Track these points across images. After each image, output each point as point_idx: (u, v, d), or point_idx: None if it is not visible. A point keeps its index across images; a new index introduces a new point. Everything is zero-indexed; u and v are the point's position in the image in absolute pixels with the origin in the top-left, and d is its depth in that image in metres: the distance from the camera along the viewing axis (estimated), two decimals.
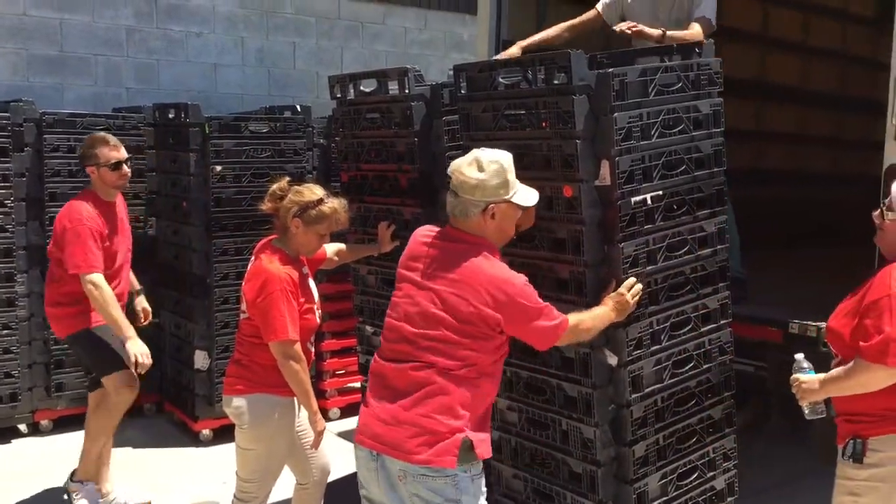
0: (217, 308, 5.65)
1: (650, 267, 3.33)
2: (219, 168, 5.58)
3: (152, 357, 6.21)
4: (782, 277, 5.64)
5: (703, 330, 3.58)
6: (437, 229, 3.03)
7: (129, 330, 4.36)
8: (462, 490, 2.78)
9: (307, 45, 9.27)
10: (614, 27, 4.42)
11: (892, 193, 2.96)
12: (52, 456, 5.58)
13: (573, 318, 2.99)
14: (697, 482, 3.62)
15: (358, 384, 5.85)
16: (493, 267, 2.86)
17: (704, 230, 3.53)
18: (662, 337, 3.43)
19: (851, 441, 2.92)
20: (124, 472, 5.14)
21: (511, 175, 2.92)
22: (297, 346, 3.47)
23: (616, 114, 3.17)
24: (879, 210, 3.00)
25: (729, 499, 3.79)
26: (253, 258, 3.61)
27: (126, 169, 4.57)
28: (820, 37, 8.43)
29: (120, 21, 8.07)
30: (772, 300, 4.44)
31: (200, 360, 5.71)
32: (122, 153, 4.54)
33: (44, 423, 6.01)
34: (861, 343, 2.80)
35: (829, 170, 8.71)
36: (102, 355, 4.52)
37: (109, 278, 4.45)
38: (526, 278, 2.93)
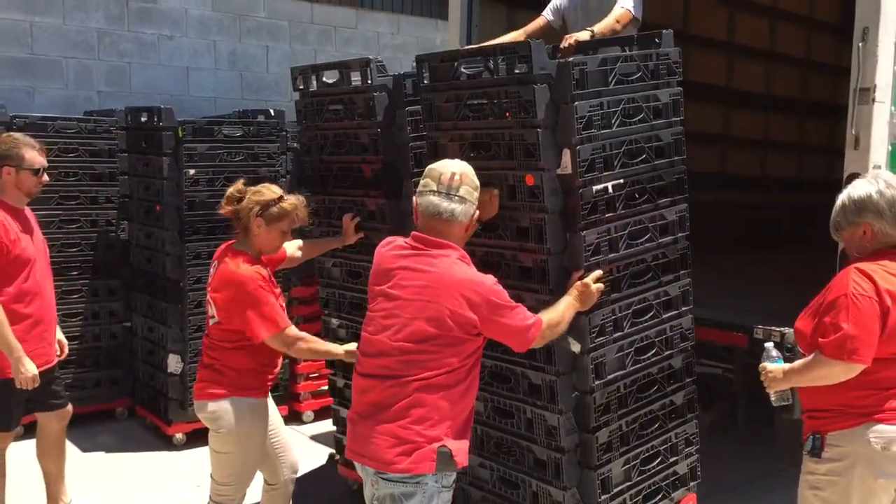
0: (190, 312, 5.65)
1: (612, 255, 3.38)
2: (192, 172, 5.57)
3: (125, 360, 6.26)
4: (748, 282, 5.76)
5: (664, 317, 3.64)
6: (400, 240, 3.06)
7: (17, 350, 3.99)
8: (427, 498, 2.84)
9: (280, 49, 9.28)
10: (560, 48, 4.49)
11: (832, 219, 3.08)
12: (23, 461, 5.54)
13: (545, 318, 3.03)
14: (660, 467, 3.69)
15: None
16: (463, 270, 2.90)
17: (665, 218, 3.59)
18: (625, 324, 3.48)
19: (811, 437, 3.03)
20: (96, 477, 5.13)
21: None
22: (292, 328, 3.52)
23: (577, 103, 3.21)
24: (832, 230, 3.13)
25: (691, 483, 3.87)
26: (215, 263, 3.61)
27: (45, 177, 4.27)
28: (785, 43, 8.59)
29: (91, 24, 8.04)
30: (738, 305, 4.54)
31: (174, 363, 5.71)
32: (45, 159, 4.25)
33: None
34: (820, 339, 2.91)
35: (794, 175, 8.87)
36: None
37: (28, 297, 4.10)
38: (495, 279, 2.97)
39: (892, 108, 4.13)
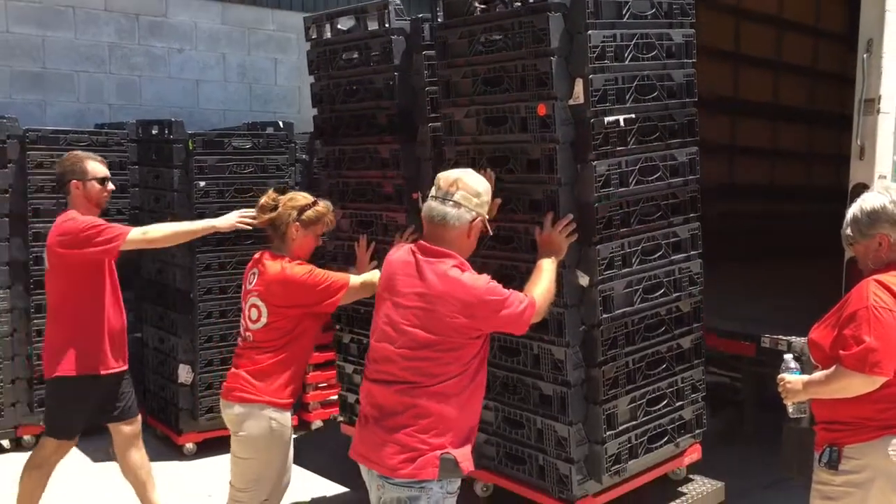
0: (200, 322, 5.68)
1: (622, 189, 3.40)
2: (202, 184, 5.62)
3: (135, 371, 6.29)
4: (756, 291, 5.77)
5: (673, 258, 3.66)
6: (407, 247, 3.08)
7: (203, 223, 4.31)
8: (432, 503, 2.86)
9: (289, 62, 9.36)
10: None
11: (844, 233, 3.09)
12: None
13: (535, 294, 3.06)
14: (666, 410, 3.70)
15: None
16: (458, 276, 2.90)
17: (676, 159, 3.62)
18: (633, 260, 3.51)
19: (828, 448, 3.02)
20: (107, 487, 5.16)
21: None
22: (353, 279, 3.59)
23: (590, 31, 3.25)
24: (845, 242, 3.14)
25: (696, 431, 3.88)
26: (255, 270, 3.65)
27: (111, 186, 4.43)
28: (792, 53, 8.61)
29: (102, 38, 8.12)
30: (745, 314, 4.56)
31: (184, 374, 5.74)
32: (107, 170, 4.41)
33: (26, 438, 6.00)
34: (841, 352, 2.90)
35: (802, 183, 8.87)
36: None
37: (114, 305, 4.25)
38: (489, 277, 2.98)
39: None
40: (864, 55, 4.05)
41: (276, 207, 3.62)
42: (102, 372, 4.21)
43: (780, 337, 4.14)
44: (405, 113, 4.08)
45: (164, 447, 6.01)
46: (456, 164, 3.73)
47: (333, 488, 5.16)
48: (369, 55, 4.14)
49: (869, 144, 4.07)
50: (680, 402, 3.76)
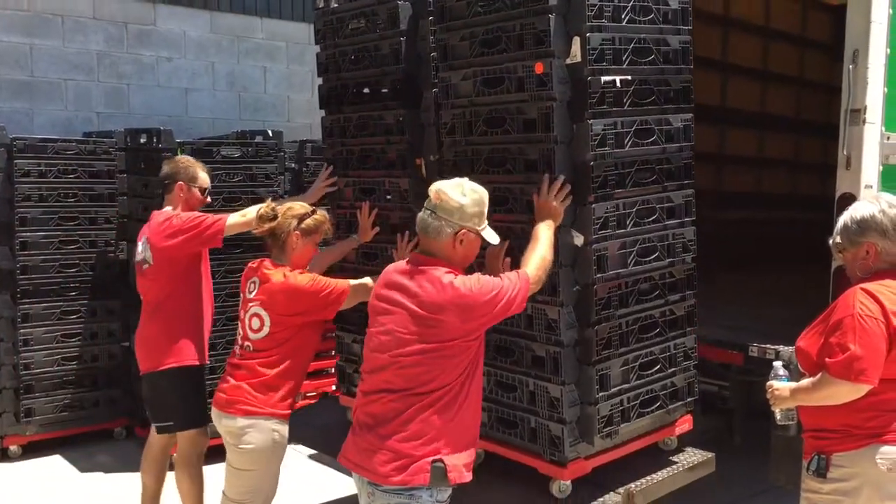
0: None
1: (617, 150, 3.44)
2: None
3: (123, 380, 6.27)
4: (743, 299, 5.80)
5: (667, 223, 3.70)
6: (406, 261, 3.09)
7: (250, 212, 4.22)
8: None
9: (278, 70, 9.36)
10: None
11: (833, 240, 3.12)
12: (21, 482, 5.55)
13: (530, 268, 3.06)
14: (658, 375, 3.72)
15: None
16: (451, 282, 2.89)
17: (671, 124, 3.66)
18: (628, 222, 3.53)
19: (816, 456, 3.03)
20: (95, 498, 5.13)
21: (485, 209, 3.01)
22: (353, 282, 3.62)
23: None
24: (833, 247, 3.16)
25: (688, 399, 3.91)
26: (255, 279, 3.65)
27: (208, 198, 4.49)
28: (779, 63, 8.67)
29: (90, 46, 8.11)
30: (733, 323, 4.58)
31: None
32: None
33: (13, 448, 5.97)
34: (827, 359, 2.92)
35: (788, 192, 8.93)
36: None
37: (209, 298, 4.37)
38: (478, 274, 2.97)
39: (883, 128, 4.18)
40: (850, 66, 4.08)
41: (275, 217, 3.65)
42: (203, 363, 4.34)
43: (768, 346, 4.16)
44: (410, 79, 4.14)
45: None
46: (453, 129, 3.79)
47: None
48: (375, 22, 4.21)
49: (855, 154, 4.10)
50: (672, 369, 3.79)
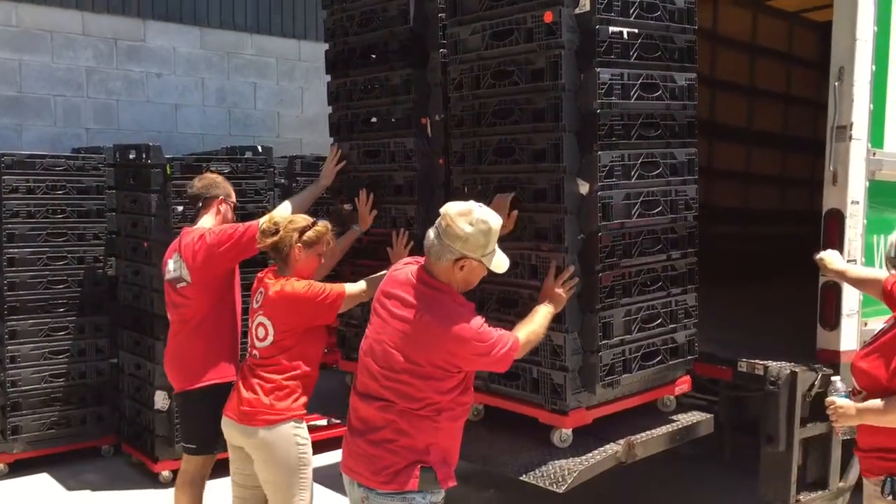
0: None
1: (623, 101, 3.52)
2: (180, 208, 5.59)
3: (110, 397, 6.22)
4: (732, 314, 5.81)
5: (671, 179, 3.76)
6: (411, 267, 3.08)
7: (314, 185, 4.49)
8: None
9: (268, 86, 9.37)
10: None
11: (886, 253, 3.17)
12: (8, 500, 5.50)
13: (522, 334, 3.11)
14: (659, 329, 3.79)
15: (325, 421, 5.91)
16: (453, 317, 2.91)
17: (675, 81, 3.74)
18: (633, 173, 3.60)
19: (889, 479, 3.05)
20: None
21: (494, 239, 2.99)
22: (349, 286, 3.67)
23: None
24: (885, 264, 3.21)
25: (688, 356, 3.96)
26: (261, 290, 3.70)
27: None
28: (766, 79, 8.74)
29: (79, 62, 8.10)
30: (722, 338, 4.60)
31: (160, 400, 5.68)
32: None
33: (0, 467, 5.92)
34: None
35: (776, 207, 8.98)
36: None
37: (236, 326, 4.29)
38: (482, 319, 2.98)
39: (869, 144, 4.22)
40: (836, 83, 4.12)
41: (277, 231, 3.68)
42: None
43: (756, 361, 4.18)
44: (417, 38, 4.21)
45: (139, 475, 5.95)
46: (460, 84, 3.87)
47: None
48: None
49: (841, 171, 4.13)
50: (673, 325, 3.85)
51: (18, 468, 5.94)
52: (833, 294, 4.18)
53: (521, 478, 3.57)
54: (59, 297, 6.06)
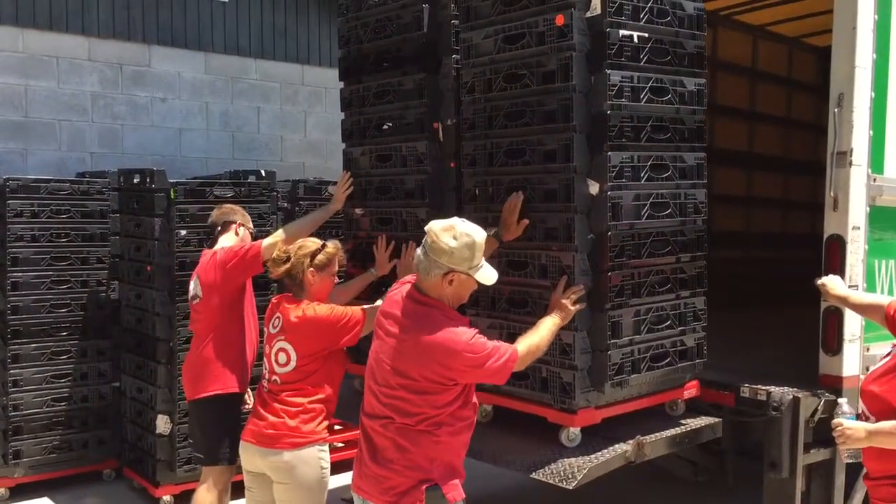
0: (180, 372, 5.61)
1: (633, 103, 3.58)
2: (184, 232, 5.62)
3: (112, 421, 6.22)
4: (734, 339, 5.81)
5: (680, 182, 3.81)
6: (406, 290, 3.13)
7: (322, 212, 4.58)
8: None
9: (271, 110, 9.44)
10: None
11: None
12: None
13: (522, 346, 3.14)
14: (668, 331, 3.81)
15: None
16: (443, 329, 2.96)
17: (685, 86, 3.80)
18: (642, 174, 3.65)
19: None
20: None
21: (479, 252, 3.03)
22: (367, 308, 3.71)
23: None
24: None
25: (697, 360, 3.97)
26: (278, 315, 3.73)
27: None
28: (766, 103, 8.78)
29: (85, 87, 8.17)
30: (724, 363, 4.59)
31: (162, 424, 5.68)
32: None
33: (0, 491, 5.90)
34: None
35: (777, 231, 8.98)
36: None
37: (250, 335, 4.51)
38: (475, 331, 3.03)
39: (869, 170, 4.23)
40: (836, 109, 4.14)
41: (288, 259, 3.75)
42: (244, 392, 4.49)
43: (759, 387, 4.17)
44: (431, 45, 4.30)
45: (141, 499, 5.93)
46: (472, 87, 3.94)
47: None
48: None
49: (842, 196, 4.14)
50: (682, 327, 3.88)
51: (20, 493, 5.92)
52: (835, 319, 4.18)
53: (530, 475, 3.58)
54: (62, 321, 6.07)
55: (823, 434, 3.89)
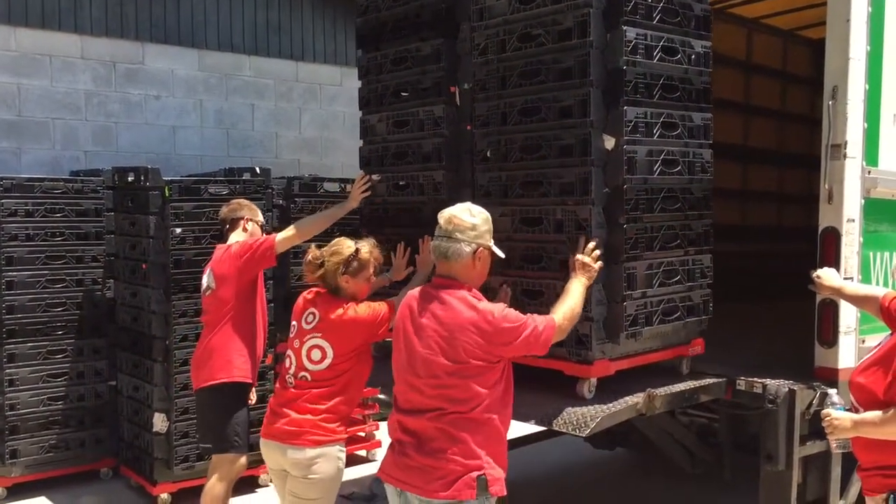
0: (176, 370, 5.63)
1: (647, 59, 3.72)
2: (178, 230, 5.61)
3: (109, 420, 6.21)
4: (729, 332, 5.82)
5: (688, 140, 3.93)
6: (426, 285, 3.29)
7: (334, 209, 4.68)
8: None
9: (266, 107, 9.42)
10: None
11: None
12: None
13: (558, 315, 3.25)
14: (678, 286, 3.92)
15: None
16: (472, 305, 3.10)
17: (693, 48, 3.94)
18: (655, 130, 3.77)
19: (892, 496, 3.05)
20: None
21: (491, 227, 3.25)
22: (389, 303, 3.79)
23: None
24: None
25: (703, 316, 4.09)
26: (313, 310, 3.77)
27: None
28: (760, 96, 8.78)
29: (78, 85, 8.15)
30: (720, 356, 4.60)
31: (159, 422, 5.67)
32: None
33: None
34: None
35: (773, 224, 8.99)
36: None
37: (260, 327, 4.62)
38: (504, 305, 3.18)
39: (864, 162, 4.23)
40: (830, 102, 4.14)
41: (322, 264, 3.78)
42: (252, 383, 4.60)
43: (755, 379, 4.17)
44: (449, 9, 4.36)
45: (138, 497, 5.93)
46: (484, 49, 4.04)
47: None
48: None
49: (837, 189, 4.14)
50: (690, 283, 3.99)
51: (17, 492, 5.91)
52: (830, 312, 4.19)
53: (544, 426, 3.68)
54: (57, 320, 6.07)
55: (819, 426, 3.88)
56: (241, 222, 4.66)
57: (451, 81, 4.36)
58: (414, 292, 3.27)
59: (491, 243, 3.22)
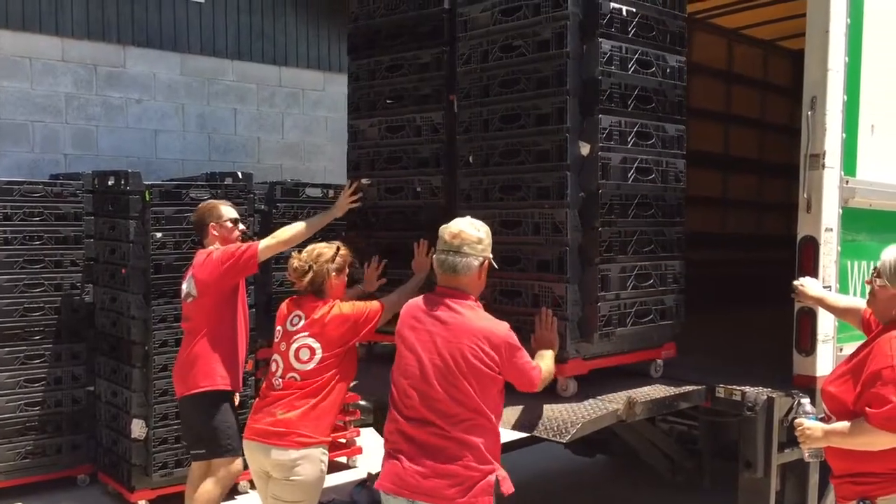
0: (155, 376, 5.60)
1: (622, 71, 3.85)
2: (159, 235, 5.59)
3: (87, 425, 6.16)
4: (709, 340, 5.85)
5: (661, 150, 4.06)
6: (429, 294, 3.35)
7: (325, 214, 4.66)
8: None
9: (248, 112, 9.39)
10: None
11: (882, 260, 3.14)
12: None
13: (543, 367, 3.39)
14: (651, 289, 4.03)
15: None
16: (481, 317, 3.25)
17: (667, 62, 4.08)
18: (629, 139, 3.90)
19: (862, 502, 3.06)
20: None
21: (491, 238, 3.38)
22: (384, 300, 3.98)
23: None
24: (871, 276, 3.20)
25: (675, 320, 4.19)
26: (298, 313, 3.85)
27: (242, 226, 4.78)
28: (741, 106, 8.85)
29: (59, 88, 8.09)
30: (699, 363, 4.62)
31: (137, 428, 5.63)
32: (236, 212, 4.77)
33: None
34: (867, 409, 2.97)
35: (752, 232, 9.05)
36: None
37: (242, 333, 4.62)
38: (508, 325, 3.26)
39: (842, 172, 4.27)
40: (809, 112, 4.18)
41: (310, 268, 3.84)
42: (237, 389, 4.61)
43: (734, 387, 4.20)
44: (450, 17, 4.39)
45: None
46: (468, 59, 4.15)
47: None
48: None
49: (815, 198, 4.18)
50: (662, 288, 4.10)
51: None
52: (808, 320, 4.22)
53: (525, 432, 3.73)
54: (35, 325, 6.01)
55: None
56: (209, 229, 4.62)
57: (450, 90, 4.39)
58: (417, 301, 3.35)
59: (491, 255, 3.34)
